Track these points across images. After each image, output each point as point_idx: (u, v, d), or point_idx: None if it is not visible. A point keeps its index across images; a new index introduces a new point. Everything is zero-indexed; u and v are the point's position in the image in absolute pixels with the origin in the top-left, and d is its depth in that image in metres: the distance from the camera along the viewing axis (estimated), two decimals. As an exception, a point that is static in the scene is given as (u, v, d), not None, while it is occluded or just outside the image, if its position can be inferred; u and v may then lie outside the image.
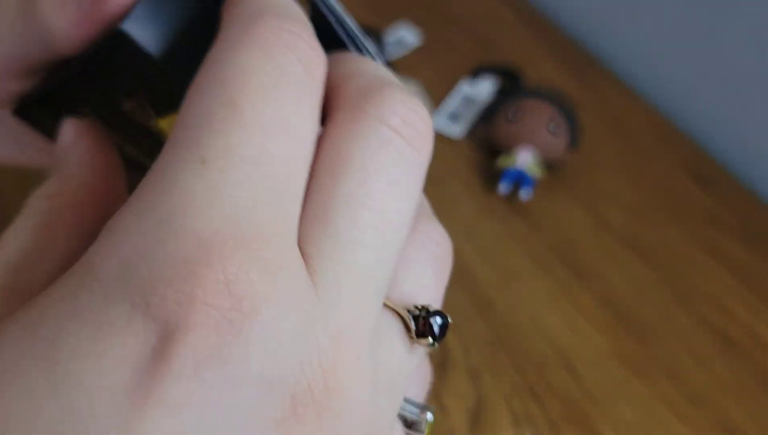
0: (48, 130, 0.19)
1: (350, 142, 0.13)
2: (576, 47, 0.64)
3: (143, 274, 0.11)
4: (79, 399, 0.10)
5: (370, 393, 0.12)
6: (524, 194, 0.49)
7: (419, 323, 0.14)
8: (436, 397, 0.39)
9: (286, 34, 0.13)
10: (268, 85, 0.13)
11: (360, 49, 0.16)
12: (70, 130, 0.17)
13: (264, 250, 0.11)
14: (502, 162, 0.50)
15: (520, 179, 0.49)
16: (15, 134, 0.20)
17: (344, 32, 0.15)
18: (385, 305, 0.14)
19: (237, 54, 0.13)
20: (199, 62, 0.14)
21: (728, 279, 0.47)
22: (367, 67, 0.15)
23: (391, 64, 0.58)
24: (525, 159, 0.49)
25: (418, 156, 0.14)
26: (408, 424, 0.15)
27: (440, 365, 0.40)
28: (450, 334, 0.43)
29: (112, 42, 0.15)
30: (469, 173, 0.51)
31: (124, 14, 0.15)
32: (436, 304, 0.15)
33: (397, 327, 0.14)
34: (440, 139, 0.53)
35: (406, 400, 0.15)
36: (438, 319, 0.14)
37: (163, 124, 0.17)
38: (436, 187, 0.50)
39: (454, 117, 0.55)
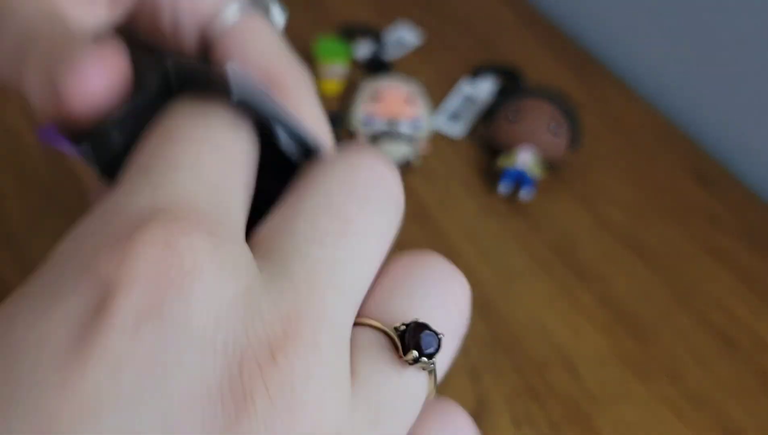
0: None
1: (319, 172, 0.14)
2: (576, 47, 0.64)
3: (89, 246, 0.11)
4: (24, 360, 0.10)
5: (338, 398, 0.12)
6: (524, 194, 0.49)
7: (405, 338, 0.13)
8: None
9: None
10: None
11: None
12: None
13: (206, 225, 0.12)
14: (503, 162, 0.49)
15: (520, 179, 0.49)
16: None
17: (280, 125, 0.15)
18: (366, 324, 0.14)
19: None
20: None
21: (729, 279, 0.47)
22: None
23: (391, 64, 0.58)
24: (525, 159, 0.49)
25: (387, 192, 0.14)
26: None
27: (440, 365, 0.40)
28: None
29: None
30: (470, 173, 0.51)
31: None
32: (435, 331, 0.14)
33: (382, 345, 0.13)
34: (440, 139, 0.53)
35: None
36: (427, 333, 0.13)
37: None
38: (436, 187, 0.50)
39: (454, 117, 0.55)
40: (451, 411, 0.14)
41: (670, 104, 0.60)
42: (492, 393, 0.39)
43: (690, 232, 0.50)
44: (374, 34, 0.60)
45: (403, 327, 0.13)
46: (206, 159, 0.13)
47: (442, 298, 0.15)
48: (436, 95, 0.56)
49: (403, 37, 0.61)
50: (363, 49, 0.59)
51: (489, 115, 0.53)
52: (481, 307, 0.43)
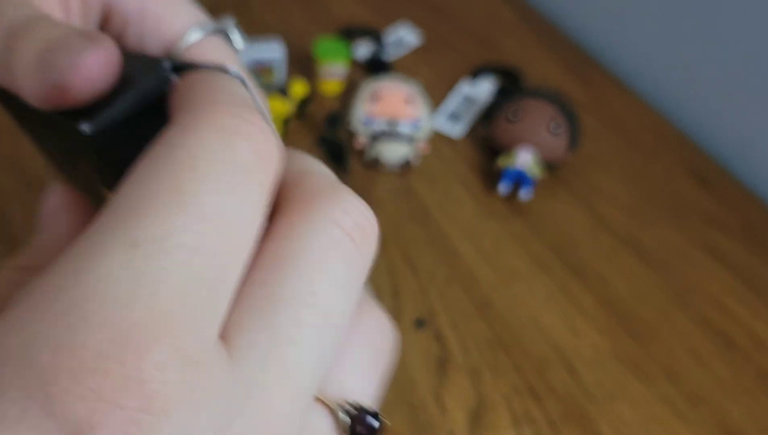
0: (18, 117, 0.20)
1: (301, 239, 0.13)
2: (576, 48, 0.64)
3: (45, 362, 0.10)
4: None
5: None
6: (524, 194, 0.49)
7: (354, 424, 0.13)
8: (435, 397, 0.39)
9: (242, 123, 0.13)
10: (217, 174, 0.12)
11: None
12: (56, 195, 0.17)
13: (183, 345, 0.11)
14: (502, 162, 0.50)
15: (519, 179, 0.49)
16: None
17: None
18: (317, 399, 0.14)
19: (188, 139, 0.12)
20: (137, 148, 0.14)
21: (727, 278, 0.47)
22: (319, 167, 0.15)
23: (391, 65, 0.58)
24: (525, 159, 0.49)
25: (364, 259, 0.14)
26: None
27: (440, 365, 0.40)
28: (450, 334, 0.44)
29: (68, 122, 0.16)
30: (469, 173, 0.51)
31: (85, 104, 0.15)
32: (370, 397, 0.15)
33: (328, 424, 0.13)
34: (440, 139, 0.53)
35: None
36: (373, 421, 0.14)
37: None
38: (436, 187, 0.50)
39: (454, 117, 0.55)
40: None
41: (669, 105, 0.60)
42: (492, 392, 0.39)
43: (688, 232, 0.50)
44: (374, 35, 0.60)
45: (351, 409, 0.14)
46: (211, 242, 0.12)
47: (369, 362, 0.15)
48: (436, 95, 0.56)
49: (403, 37, 0.61)
50: (363, 50, 0.59)
51: (489, 115, 0.53)
52: (480, 306, 0.43)
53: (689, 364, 0.42)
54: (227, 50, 0.19)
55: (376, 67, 0.57)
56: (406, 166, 0.50)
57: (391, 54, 0.60)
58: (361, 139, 0.51)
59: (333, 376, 0.14)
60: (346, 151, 0.50)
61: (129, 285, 0.11)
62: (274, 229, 0.13)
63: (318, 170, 0.15)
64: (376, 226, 0.14)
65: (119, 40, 0.19)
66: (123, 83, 0.16)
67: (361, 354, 0.15)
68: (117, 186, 0.13)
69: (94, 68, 0.15)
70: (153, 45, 0.19)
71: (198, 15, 0.20)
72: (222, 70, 0.16)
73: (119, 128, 0.16)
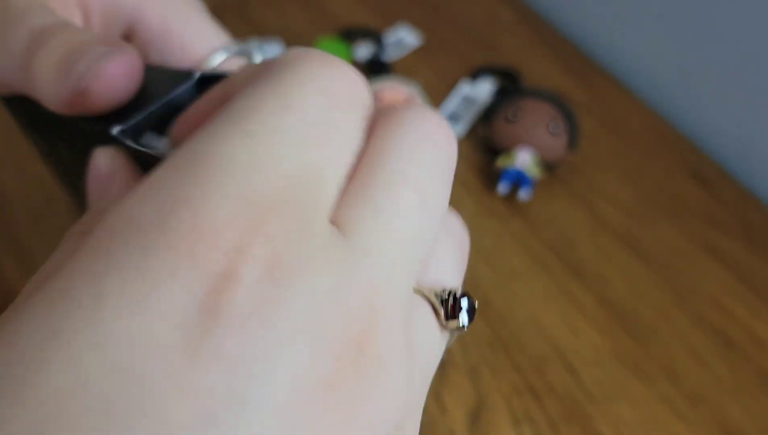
0: (28, 124, 0.20)
1: (391, 139, 0.14)
2: (575, 48, 0.64)
3: (186, 220, 0.11)
4: (131, 362, 0.10)
5: (404, 371, 0.13)
6: (523, 194, 0.49)
7: (448, 307, 0.15)
8: (435, 397, 0.39)
9: (336, 64, 0.14)
10: (320, 91, 0.13)
11: None
12: (106, 159, 0.17)
13: (302, 214, 0.12)
14: (502, 162, 0.50)
15: (519, 179, 0.49)
16: None
17: None
18: (415, 290, 0.14)
19: (295, 65, 0.13)
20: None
21: (727, 278, 0.47)
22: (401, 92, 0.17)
23: (391, 66, 0.58)
24: (524, 159, 0.49)
25: (449, 157, 0.15)
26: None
27: (440, 365, 0.40)
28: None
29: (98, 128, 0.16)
30: (469, 173, 0.51)
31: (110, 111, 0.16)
32: (459, 287, 0.16)
33: (427, 311, 0.15)
34: (440, 139, 0.53)
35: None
36: (465, 303, 0.15)
37: None
38: (435, 188, 0.50)
39: (453, 117, 0.55)
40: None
41: (667, 105, 0.60)
42: (491, 391, 0.39)
43: (688, 232, 0.50)
44: (374, 36, 0.60)
45: (445, 296, 0.15)
46: (316, 137, 0.13)
47: (455, 253, 0.16)
48: (436, 96, 0.56)
49: (403, 38, 0.61)
50: (363, 51, 0.59)
51: (488, 116, 0.53)
52: (480, 306, 0.43)
53: (689, 363, 0.42)
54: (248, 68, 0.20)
55: (376, 68, 0.57)
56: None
57: (391, 55, 0.60)
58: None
59: (425, 270, 0.15)
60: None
61: (249, 163, 0.12)
62: (369, 138, 0.14)
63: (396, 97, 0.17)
64: (452, 134, 0.16)
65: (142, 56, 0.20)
66: (149, 92, 0.16)
67: (451, 247, 0.16)
68: None
69: (117, 75, 0.15)
70: (176, 65, 0.20)
71: (222, 37, 0.21)
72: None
73: (143, 134, 0.16)
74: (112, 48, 0.16)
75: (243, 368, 0.10)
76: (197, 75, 0.16)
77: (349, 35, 0.60)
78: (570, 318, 0.44)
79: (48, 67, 0.16)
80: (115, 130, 0.16)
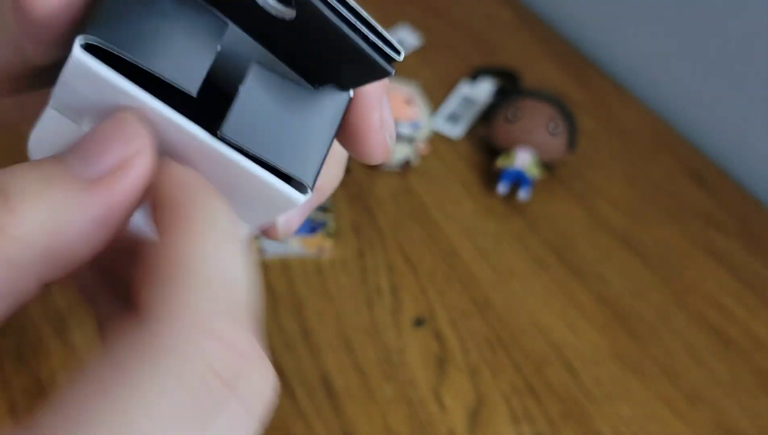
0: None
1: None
2: (574, 49, 0.64)
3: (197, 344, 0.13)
4: None
5: None
6: (523, 194, 0.49)
7: None
8: (435, 396, 0.39)
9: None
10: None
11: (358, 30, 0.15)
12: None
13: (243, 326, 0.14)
14: (501, 162, 0.50)
15: (518, 179, 0.49)
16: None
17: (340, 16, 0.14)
18: None
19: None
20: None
21: (725, 278, 0.47)
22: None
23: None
24: (524, 159, 0.49)
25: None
26: None
27: (440, 364, 0.40)
28: (449, 333, 0.44)
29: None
30: (469, 173, 0.51)
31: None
32: None
33: None
34: (440, 139, 0.54)
35: None
36: None
37: None
38: (435, 187, 0.50)
39: (453, 118, 0.55)
40: None
41: (666, 106, 0.60)
42: (491, 390, 0.39)
43: (687, 232, 0.50)
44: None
45: None
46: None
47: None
48: (436, 97, 0.56)
49: (403, 39, 0.61)
50: (363, 51, 0.59)
51: (488, 116, 0.53)
52: (479, 305, 0.44)
53: (687, 362, 0.43)
54: None
55: (376, 68, 0.57)
56: (406, 167, 0.51)
57: (391, 55, 0.60)
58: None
59: None
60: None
61: None
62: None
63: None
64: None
65: None
66: None
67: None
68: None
69: None
70: None
71: None
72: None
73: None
74: None
75: None
76: None
77: (350, 36, 0.60)
78: (569, 317, 0.44)
79: None
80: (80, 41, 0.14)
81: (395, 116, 0.52)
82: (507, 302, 0.44)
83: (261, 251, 0.44)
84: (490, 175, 0.51)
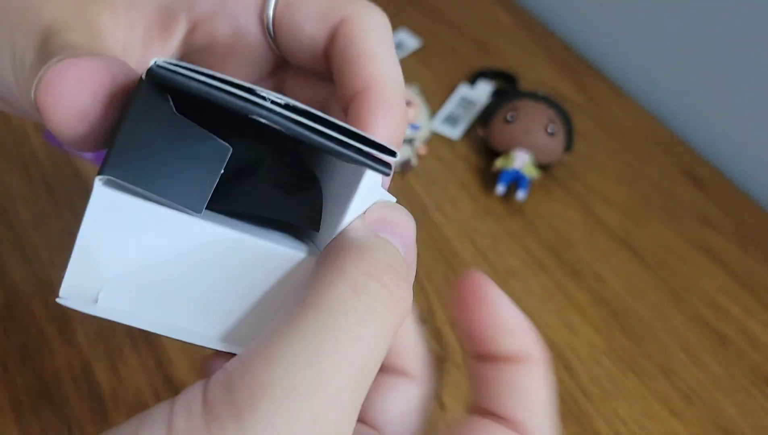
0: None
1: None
2: (572, 51, 0.65)
3: None
4: None
5: None
6: (521, 194, 0.49)
7: None
8: (435, 395, 0.39)
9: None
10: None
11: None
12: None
13: None
14: (500, 163, 0.50)
15: (516, 180, 0.49)
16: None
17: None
18: None
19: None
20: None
21: (721, 277, 0.48)
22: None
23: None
24: (522, 160, 0.50)
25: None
26: None
27: (439, 363, 0.41)
28: (449, 332, 0.44)
29: None
30: (467, 174, 0.52)
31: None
32: None
33: None
34: (439, 140, 0.54)
35: None
36: None
37: None
38: (434, 188, 0.51)
39: (452, 119, 0.56)
40: None
41: (662, 107, 0.61)
42: (490, 389, 0.40)
43: (683, 232, 0.50)
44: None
45: None
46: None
47: None
48: (435, 99, 0.57)
49: (403, 41, 0.62)
50: (362, 53, 0.59)
51: (486, 117, 0.53)
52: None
53: (684, 361, 0.43)
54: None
55: (375, 70, 0.58)
56: (405, 167, 0.51)
57: (390, 58, 0.60)
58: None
59: None
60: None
61: None
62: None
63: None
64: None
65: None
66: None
67: None
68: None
69: (63, 84, 0.14)
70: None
71: None
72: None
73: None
74: (63, 65, 0.14)
75: None
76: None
77: (349, 38, 0.60)
78: (567, 316, 0.44)
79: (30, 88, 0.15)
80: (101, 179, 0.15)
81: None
82: (505, 302, 0.44)
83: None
84: (488, 176, 0.51)
